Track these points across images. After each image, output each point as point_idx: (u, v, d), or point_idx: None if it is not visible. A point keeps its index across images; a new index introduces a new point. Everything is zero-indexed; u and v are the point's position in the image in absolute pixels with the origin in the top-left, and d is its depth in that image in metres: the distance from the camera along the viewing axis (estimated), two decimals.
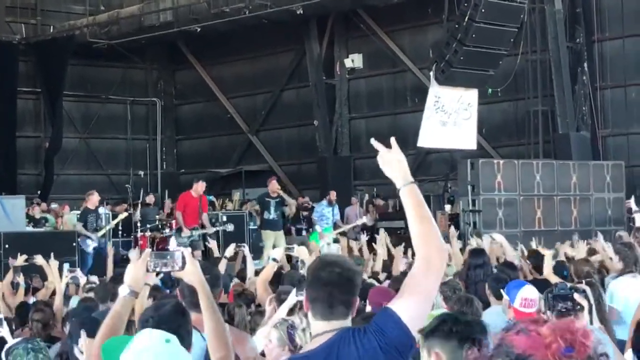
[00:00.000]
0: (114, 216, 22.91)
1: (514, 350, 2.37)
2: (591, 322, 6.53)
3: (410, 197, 3.97)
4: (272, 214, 20.48)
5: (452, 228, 16.58)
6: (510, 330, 2.42)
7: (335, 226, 22.38)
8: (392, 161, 4.09)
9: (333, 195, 22.45)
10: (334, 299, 3.85)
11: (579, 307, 6.32)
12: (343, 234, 21.69)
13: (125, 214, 21.49)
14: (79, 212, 23.29)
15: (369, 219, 23.65)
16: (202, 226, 19.89)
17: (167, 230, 22.48)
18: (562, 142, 25.61)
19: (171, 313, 4.28)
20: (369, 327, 3.79)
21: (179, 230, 19.70)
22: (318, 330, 3.88)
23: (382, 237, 14.24)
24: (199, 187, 20.09)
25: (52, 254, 11.90)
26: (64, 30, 33.41)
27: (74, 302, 9.82)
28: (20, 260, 12.09)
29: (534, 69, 26.30)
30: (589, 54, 26.30)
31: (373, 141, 4.10)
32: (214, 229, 20.07)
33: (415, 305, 3.77)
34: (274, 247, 18.46)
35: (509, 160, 23.36)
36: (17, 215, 19.36)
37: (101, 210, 23.34)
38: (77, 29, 32.84)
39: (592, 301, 6.37)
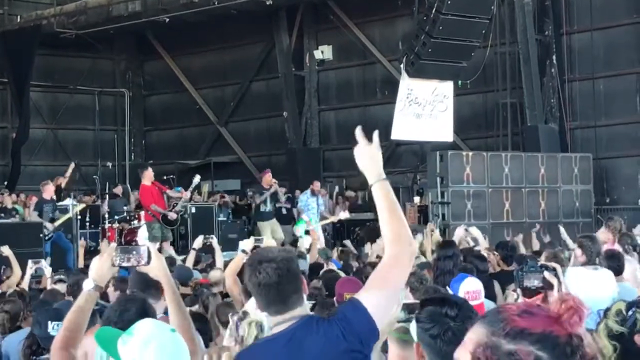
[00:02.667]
0: (83, 208, 22.78)
1: (531, 330, 2.33)
2: None
3: (382, 193, 4.03)
4: (267, 206, 21.11)
5: (431, 223, 16.61)
6: (506, 317, 2.38)
7: (322, 217, 22.46)
8: (368, 155, 4.15)
9: (317, 185, 22.58)
10: (282, 295, 3.88)
11: (548, 285, 6.31)
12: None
13: (81, 205, 21.33)
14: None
15: (346, 213, 23.67)
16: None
17: (136, 221, 22.37)
18: (531, 135, 25.71)
19: (137, 317, 4.24)
20: (334, 316, 3.82)
21: (165, 218, 19.56)
22: (275, 322, 3.91)
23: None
24: (148, 174, 19.84)
25: (5, 245, 11.81)
26: (31, 19, 33.14)
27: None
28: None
29: (503, 61, 26.37)
30: (558, 46, 26.40)
31: (358, 131, 4.13)
32: (189, 192, 19.93)
33: (382, 298, 3.80)
34: (274, 238, 18.75)
35: (477, 153, 23.41)
36: None
37: (67, 201, 23.23)
38: (45, 19, 32.60)
39: (561, 279, 6.36)
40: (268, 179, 21.46)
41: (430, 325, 3.79)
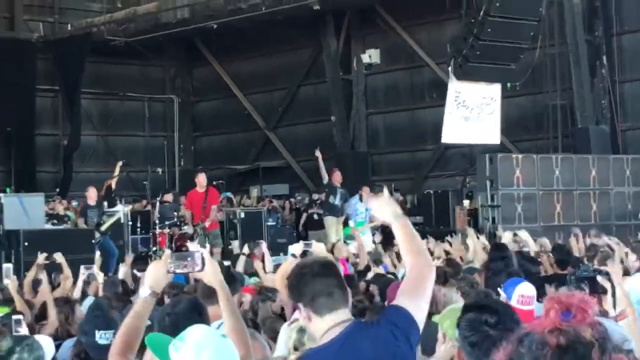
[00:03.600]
0: (133, 213, 22.96)
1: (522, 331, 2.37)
2: (614, 306, 6.48)
3: (402, 229, 4.28)
4: (337, 200, 21.04)
5: (470, 229, 16.49)
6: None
7: (371, 220, 22.42)
8: (382, 205, 4.41)
9: (366, 191, 22.51)
10: (330, 287, 3.96)
11: (601, 289, 6.25)
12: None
13: (127, 207, 21.42)
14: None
15: None
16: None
17: (186, 227, 22.45)
18: (581, 136, 25.48)
19: (187, 311, 4.25)
20: (381, 319, 3.94)
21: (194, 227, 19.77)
22: (326, 326, 3.93)
23: None
24: (201, 179, 20.13)
25: (59, 252, 11.89)
26: (82, 28, 33.47)
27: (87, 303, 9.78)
28: (41, 258, 12.08)
29: (553, 62, 26.17)
30: (608, 47, 26.17)
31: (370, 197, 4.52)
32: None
33: (416, 303, 3.97)
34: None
35: (527, 155, 23.25)
36: (36, 213, 19.33)
37: (118, 207, 23.40)
38: (95, 27, 32.90)
39: (615, 284, 6.29)
40: (338, 177, 21.48)
41: (470, 333, 3.79)
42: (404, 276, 4.31)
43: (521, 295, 7.32)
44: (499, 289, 7.69)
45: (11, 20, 33.51)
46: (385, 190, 4.53)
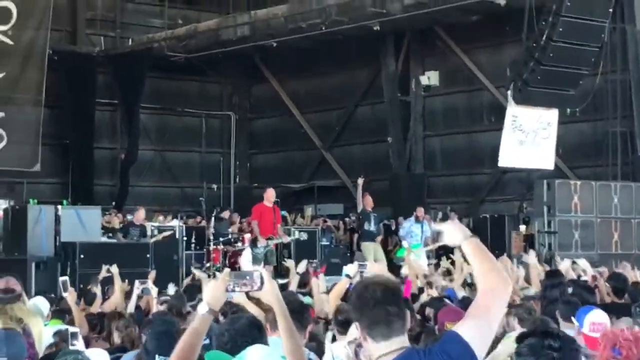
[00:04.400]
0: (189, 229, 23.08)
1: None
2: None
3: (473, 248, 4.18)
4: (372, 226, 20.92)
5: (532, 252, 16.34)
6: None
7: (426, 243, 22.30)
8: (451, 230, 4.31)
9: (420, 212, 22.42)
10: (388, 316, 3.91)
11: None
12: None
13: (167, 234, 21.48)
14: (153, 223, 23.55)
15: None
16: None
17: (239, 244, 22.50)
18: None
19: (246, 328, 4.23)
20: (434, 347, 3.85)
21: (255, 240, 19.55)
22: (380, 351, 3.91)
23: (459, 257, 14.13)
24: (269, 194, 19.86)
25: (114, 264, 11.94)
26: (143, 43, 33.76)
27: None
28: (103, 272, 12.14)
29: (614, 89, 25.91)
30: None
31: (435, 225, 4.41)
32: (290, 239, 20.09)
33: (481, 329, 3.86)
34: (375, 260, 18.66)
35: (586, 182, 23.02)
36: (92, 225, 19.51)
37: (174, 222, 23.53)
38: (155, 42, 33.16)
39: None
40: (369, 201, 21.40)
41: (532, 358, 3.74)
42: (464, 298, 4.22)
43: (592, 322, 7.24)
44: (572, 317, 7.60)
45: (73, 34, 33.89)
46: (454, 216, 4.52)
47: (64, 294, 10.35)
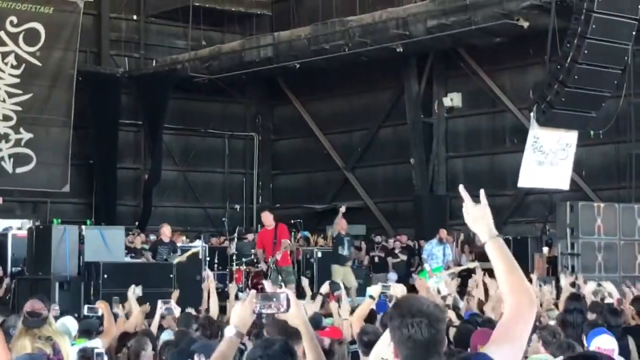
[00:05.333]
0: (212, 249, 23.13)
1: None
2: None
3: (497, 251, 4.05)
4: (345, 250, 21.43)
5: (570, 276, 16.33)
6: None
7: (447, 266, 22.22)
8: (477, 215, 4.17)
9: (443, 233, 22.40)
10: (427, 355, 3.84)
11: None
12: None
13: (195, 250, 21.34)
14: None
15: (474, 262, 23.60)
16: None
17: (262, 264, 22.53)
18: None
19: (280, 353, 4.25)
20: None
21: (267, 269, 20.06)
22: None
23: (480, 276, 14.13)
24: (263, 218, 20.65)
25: (132, 285, 11.97)
26: (166, 64, 33.93)
27: (165, 336, 9.84)
28: (131, 291, 12.16)
29: (637, 111, 25.86)
30: None
31: (462, 189, 4.09)
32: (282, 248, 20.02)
33: (510, 350, 3.81)
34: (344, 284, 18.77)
35: (609, 204, 22.96)
36: (116, 245, 19.58)
37: (197, 242, 23.59)
38: (179, 63, 33.32)
39: None
40: (344, 225, 21.94)
41: None
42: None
43: (598, 347, 7.22)
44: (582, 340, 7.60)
45: (98, 55, 34.11)
46: (483, 196, 4.25)
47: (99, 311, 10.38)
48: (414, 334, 3.83)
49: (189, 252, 20.39)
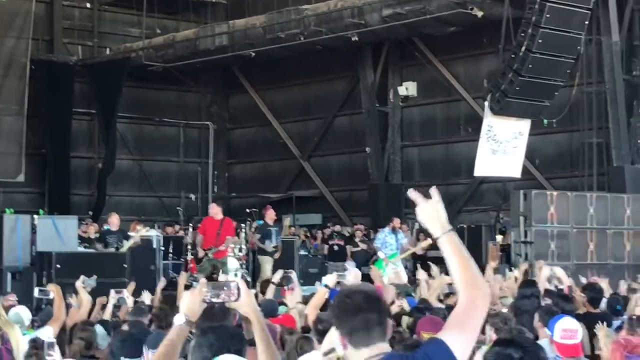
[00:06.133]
0: (166, 239, 23.05)
1: None
2: None
3: (451, 246, 3.98)
4: (272, 242, 21.28)
5: (525, 263, 16.47)
6: None
7: (403, 250, 22.31)
8: (429, 212, 4.05)
9: (397, 222, 22.42)
10: (369, 323, 3.89)
11: None
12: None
13: (134, 241, 21.11)
14: (130, 233, 23.43)
15: (427, 240, 23.77)
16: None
17: (199, 250, 22.46)
18: (617, 175, 25.30)
19: (234, 335, 4.26)
20: (417, 354, 3.81)
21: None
22: (361, 357, 3.89)
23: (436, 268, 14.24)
24: (212, 209, 21.06)
25: (82, 276, 11.87)
26: (120, 52, 33.72)
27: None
28: (80, 281, 12.03)
29: (590, 100, 26.06)
30: None
31: (411, 192, 4.07)
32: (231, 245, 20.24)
33: (463, 338, 3.80)
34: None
35: (562, 192, 23.14)
36: (69, 235, 19.45)
37: (152, 232, 23.46)
38: (133, 52, 33.12)
39: None
40: (272, 214, 21.64)
41: None
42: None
43: (563, 329, 7.29)
44: (545, 325, 7.66)
45: (51, 43, 33.80)
46: (435, 192, 4.10)
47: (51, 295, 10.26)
48: (350, 303, 3.91)
49: (131, 242, 20.23)
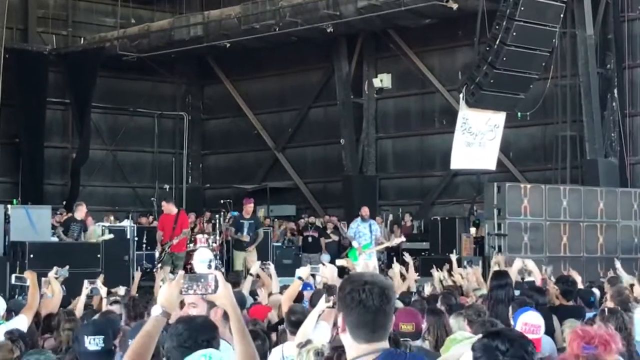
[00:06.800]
0: (140, 229, 23.02)
1: None
2: None
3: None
4: (244, 234, 21.14)
5: (499, 255, 16.56)
6: None
7: (378, 242, 22.32)
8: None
9: (365, 211, 22.40)
10: (376, 324, 3.89)
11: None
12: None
13: (109, 236, 21.12)
14: (104, 224, 23.41)
15: (401, 237, 23.86)
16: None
17: (192, 244, 22.49)
18: (590, 168, 25.47)
19: (205, 325, 4.26)
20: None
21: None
22: (359, 352, 3.90)
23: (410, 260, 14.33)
24: (165, 207, 21.45)
25: (55, 267, 11.82)
26: (95, 42, 33.56)
27: None
28: (52, 272, 11.97)
29: (564, 94, 26.19)
30: (619, 80, 26.15)
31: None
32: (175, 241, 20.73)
33: None
34: (245, 266, 19.02)
35: (536, 185, 23.26)
36: (42, 225, 19.37)
37: (125, 222, 23.44)
38: (108, 41, 32.98)
39: None
40: (249, 209, 21.53)
41: (481, 356, 3.83)
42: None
43: (525, 323, 7.32)
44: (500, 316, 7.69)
45: (25, 32, 33.60)
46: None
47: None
48: (365, 298, 3.86)
49: (104, 237, 20.22)
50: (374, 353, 3.86)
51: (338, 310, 3.97)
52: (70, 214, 25.96)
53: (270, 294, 11.65)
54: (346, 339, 3.93)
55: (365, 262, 20.31)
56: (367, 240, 21.80)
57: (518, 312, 7.63)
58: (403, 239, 23.81)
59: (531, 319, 7.36)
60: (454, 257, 15.73)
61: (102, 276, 13.34)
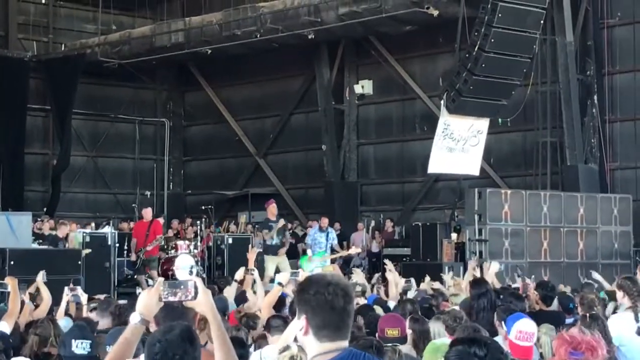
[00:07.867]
0: (121, 235, 23.01)
1: None
2: None
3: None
4: (274, 239, 20.71)
5: (472, 260, 16.59)
6: None
7: (333, 251, 22.38)
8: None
9: (324, 222, 22.40)
10: (342, 323, 3.93)
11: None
12: (333, 260, 22.02)
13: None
14: (84, 230, 23.36)
15: (357, 249, 23.86)
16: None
17: (173, 251, 22.47)
18: (570, 174, 25.58)
19: (179, 338, 4.24)
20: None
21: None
22: (320, 350, 3.93)
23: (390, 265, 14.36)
24: (145, 213, 22.48)
25: (42, 271, 11.76)
26: (76, 48, 33.48)
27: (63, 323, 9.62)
28: (39, 276, 11.91)
29: (544, 100, 26.28)
30: (599, 86, 26.30)
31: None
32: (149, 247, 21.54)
33: None
34: (277, 271, 18.52)
35: (516, 191, 23.36)
36: (23, 231, 19.29)
37: (107, 228, 23.40)
38: (89, 48, 32.91)
39: None
40: (273, 209, 21.20)
41: None
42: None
43: (519, 330, 7.29)
44: (502, 322, 7.69)
45: (5, 38, 33.51)
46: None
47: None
48: (331, 299, 3.90)
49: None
50: (336, 351, 3.90)
51: (300, 312, 3.98)
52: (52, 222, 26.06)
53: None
54: (309, 340, 3.96)
55: (317, 270, 20.20)
56: (321, 248, 21.81)
57: (510, 318, 7.59)
58: (359, 250, 24.04)
59: (526, 327, 7.33)
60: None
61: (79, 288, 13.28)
